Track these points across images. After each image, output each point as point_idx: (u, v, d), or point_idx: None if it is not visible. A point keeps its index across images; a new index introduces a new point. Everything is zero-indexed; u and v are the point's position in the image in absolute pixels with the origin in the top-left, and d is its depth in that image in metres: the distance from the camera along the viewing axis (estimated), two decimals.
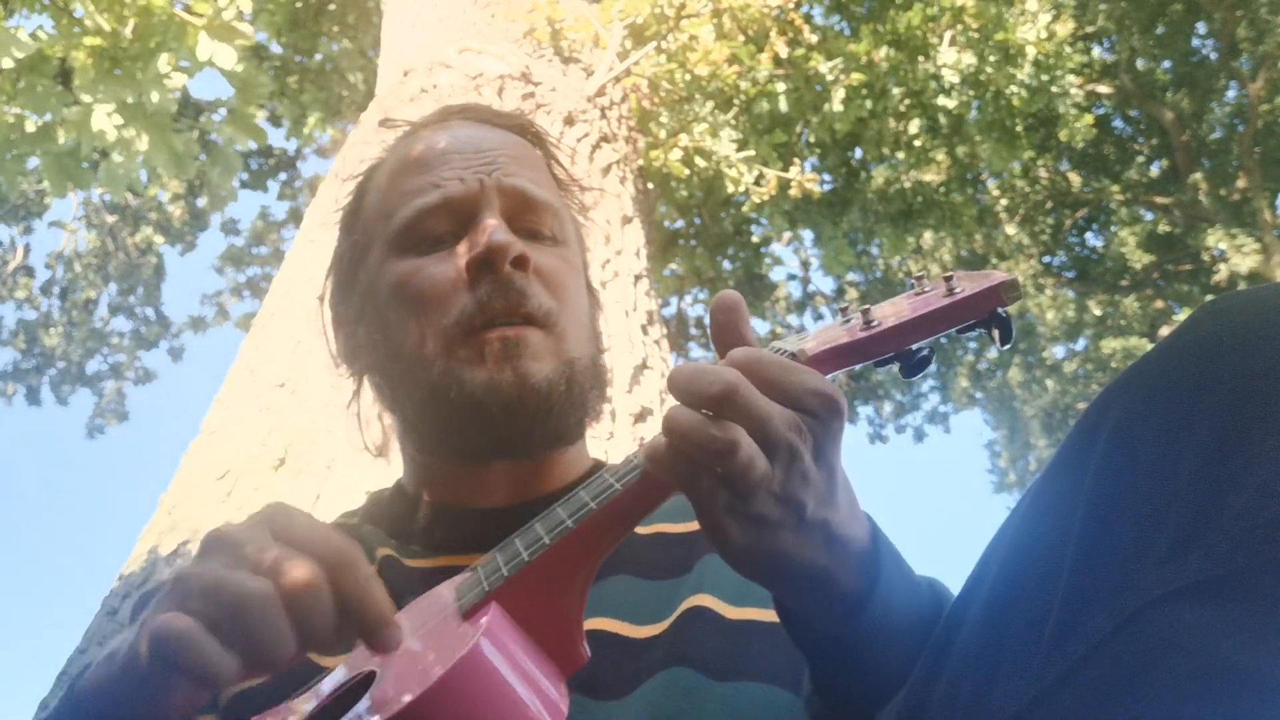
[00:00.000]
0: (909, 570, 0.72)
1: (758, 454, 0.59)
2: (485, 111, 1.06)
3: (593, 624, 0.81)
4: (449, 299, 0.91)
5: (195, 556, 0.60)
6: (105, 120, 2.85)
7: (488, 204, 0.94)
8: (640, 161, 4.66)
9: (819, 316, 9.86)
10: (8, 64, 2.71)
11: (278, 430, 2.58)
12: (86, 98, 2.84)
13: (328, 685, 0.71)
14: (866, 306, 0.68)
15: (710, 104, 4.97)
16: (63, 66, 3.11)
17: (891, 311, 0.67)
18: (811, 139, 6.50)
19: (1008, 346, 0.65)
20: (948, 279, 0.65)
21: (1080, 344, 11.62)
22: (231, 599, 0.55)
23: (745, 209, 6.30)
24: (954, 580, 0.73)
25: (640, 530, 0.92)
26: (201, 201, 10.00)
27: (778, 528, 0.62)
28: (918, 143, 6.62)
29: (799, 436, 0.61)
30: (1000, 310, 0.64)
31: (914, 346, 0.66)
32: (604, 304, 1.10)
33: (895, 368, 0.68)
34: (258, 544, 0.59)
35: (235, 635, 0.55)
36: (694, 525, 0.92)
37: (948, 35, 6.00)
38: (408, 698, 0.56)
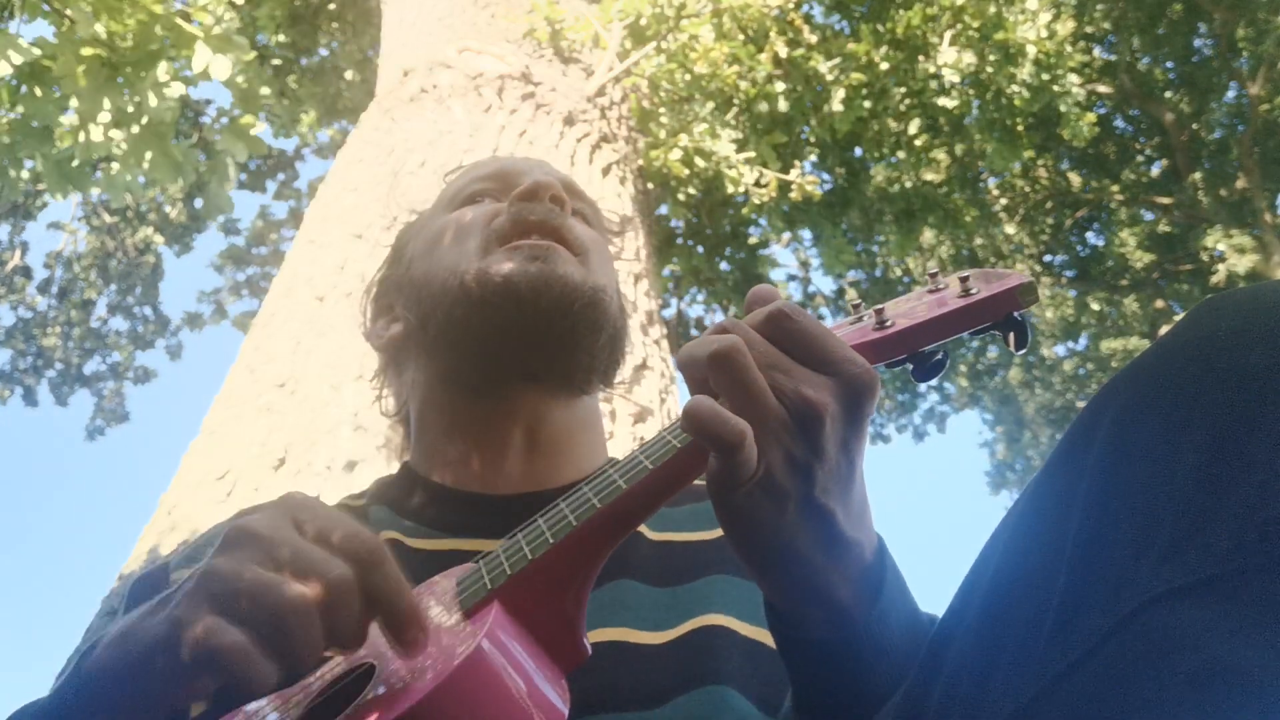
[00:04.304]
0: (913, 601, 0.71)
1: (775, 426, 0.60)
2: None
3: (604, 634, 0.80)
4: (488, 222, 0.98)
5: (220, 549, 0.58)
6: (101, 132, 2.86)
7: (535, 176, 1.03)
8: (640, 161, 4.66)
9: (820, 317, 9.82)
10: (5, 70, 2.71)
11: (278, 430, 2.58)
12: (83, 106, 2.84)
13: (323, 678, 0.70)
14: (880, 306, 0.67)
15: (710, 104, 4.97)
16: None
17: (906, 311, 0.66)
18: (811, 139, 6.50)
19: (1023, 351, 0.63)
20: (963, 279, 0.64)
21: (1081, 343, 11.62)
22: (276, 609, 0.54)
23: (745, 210, 6.30)
24: (952, 580, 0.73)
25: (650, 536, 0.92)
26: (200, 204, 10.00)
27: (785, 500, 0.61)
28: (918, 142, 6.61)
29: (823, 395, 0.60)
30: (1016, 314, 0.62)
31: (927, 349, 0.65)
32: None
33: (908, 369, 0.66)
34: (289, 543, 0.58)
35: (278, 646, 0.54)
36: (705, 535, 0.92)
37: (948, 35, 6.00)
38: (408, 699, 0.55)
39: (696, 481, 0.66)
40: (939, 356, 0.65)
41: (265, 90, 3.40)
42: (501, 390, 0.95)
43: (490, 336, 0.93)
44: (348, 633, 0.57)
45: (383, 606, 0.58)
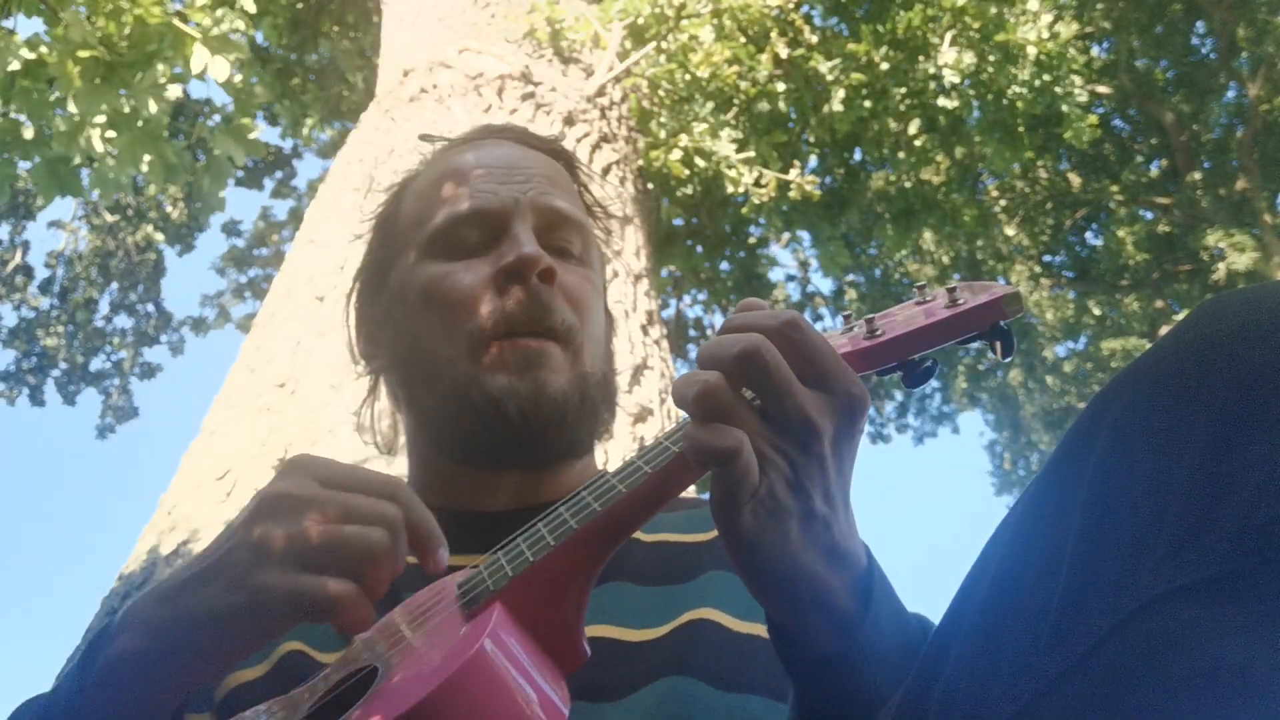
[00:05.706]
0: (899, 601, 0.72)
1: (771, 446, 0.62)
2: (523, 133, 1.10)
3: (591, 630, 0.81)
4: (476, 305, 0.93)
5: (260, 515, 0.64)
6: (97, 136, 2.85)
7: (520, 218, 0.96)
8: (640, 161, 4.66)
9: (818, 317, 9.83)
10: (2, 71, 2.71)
11: (278, 430, 2.59)
12: (76, 108, 2.83)
13: (328, 681, 0.71)
14: (870, 316, 0.69)
15: (710, 104, 4.97)
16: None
17: (895, 321, 0.68)
18: (811, 139, 6.50)
19: (1009, 359, 0.65)
20: (951, 290, 0.66)
21: (1081, 342, 11.63)
22: (366, 554, 0.63)
23: (745, 210, 6.30)
24: (953, 581, 0.73)
25: (644, 538, 0.93)
26: (198, 203, 9.98)
27: (787, 517, 0.63)
28: (918, 143, 6.61)
29: (822, 414, 0.62)
30: (1002, 323, 0.64)
31: (917, 357, 0.67)
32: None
33: (898, 376, 0.69)
34: (334, 498, 0.64)
35: (369, 585, 0.63)
36: (699, 536, 0.93)
37: (948, 35, 6.00)
38: (411, 698, 0.56)
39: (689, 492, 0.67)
40: (928, 364, 0.68)
41: (260, 91, 3.40)
42: (496, 465, 0.95)
43: (483, 439, 0.93)
44: (403, 563, 0.66)
45: (423, 533, 0.67)
